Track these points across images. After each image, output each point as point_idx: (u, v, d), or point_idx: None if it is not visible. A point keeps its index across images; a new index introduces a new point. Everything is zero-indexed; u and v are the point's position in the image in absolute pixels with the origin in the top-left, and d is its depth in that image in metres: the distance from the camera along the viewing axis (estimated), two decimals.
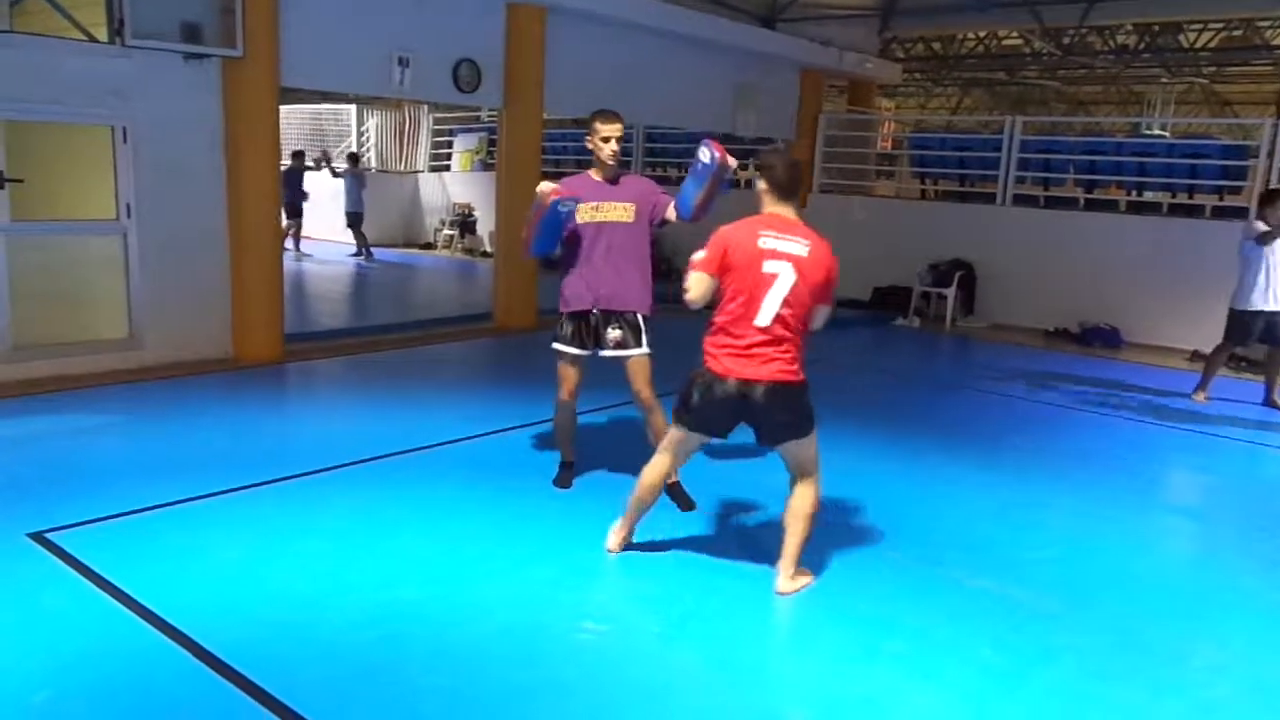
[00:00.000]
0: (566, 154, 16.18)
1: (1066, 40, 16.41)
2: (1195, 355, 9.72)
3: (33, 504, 4.64)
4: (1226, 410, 7.97)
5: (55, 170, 7.73)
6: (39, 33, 6.89)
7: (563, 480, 5.29)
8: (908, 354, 10.53)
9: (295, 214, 15.14)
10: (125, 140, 7.19)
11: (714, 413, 4.00)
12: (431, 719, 3.13)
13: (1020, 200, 12.40)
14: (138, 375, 7.26)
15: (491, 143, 16.23)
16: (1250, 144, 11.29)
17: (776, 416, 3.95)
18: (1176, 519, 5.62)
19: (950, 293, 11.84)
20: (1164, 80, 22.13)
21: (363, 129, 19.51)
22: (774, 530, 4.67)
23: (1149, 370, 9.63)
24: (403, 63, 8.80)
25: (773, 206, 3.97)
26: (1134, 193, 12.23)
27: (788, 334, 3.89)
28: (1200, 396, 8.23)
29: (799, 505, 4.09)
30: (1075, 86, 24.30)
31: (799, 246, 3.86)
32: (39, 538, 4.26)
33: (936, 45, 19.65)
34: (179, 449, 5.67)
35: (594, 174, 4.92)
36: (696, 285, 3.95)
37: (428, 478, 5.36)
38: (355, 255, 15.95)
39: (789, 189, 3.98)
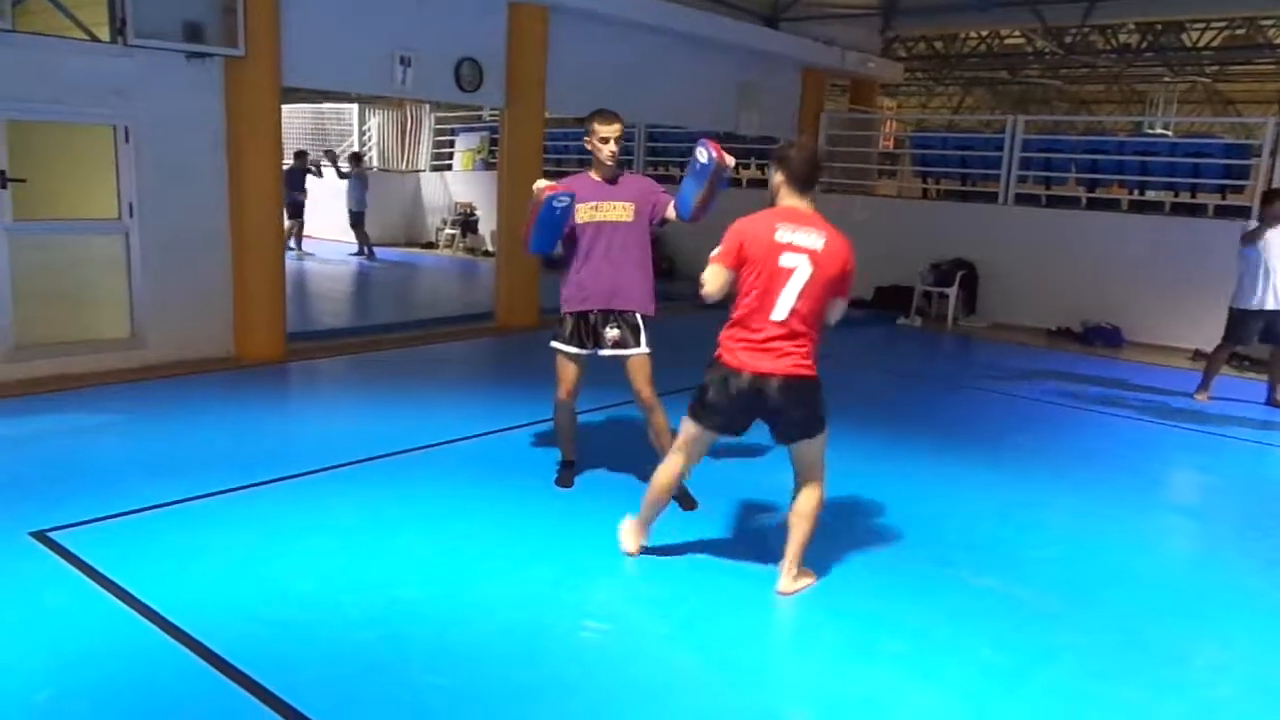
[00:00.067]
0: (568, 153, 16.18)
1: (1069, 39, 16.41)
2: (1197, 354, 9.71)
3: (35, 503, 4.65)
4: (1229, 410, 7.97)
5: (57, 170, 7.73)
6: (41, 32, 6.89)
7: (564, 479, 5.29)
8: (909, 353, 10.53)
9: (297, 214, 15.14)
10: (127, 140, 7.20)
11: (729, 408, 3.96)
12: (434, 718, 3.13)
13: (1022, 199, 12.38)
14: (140, 375, 7.27)
15: (493, 142, 16.24)
16: (1253, 143, 11.27)
17: (790, 412, 3.92)
18: (1178, 518, 5.62)
19: (952, 292, 11.83)
20: (1166, 79, 22.10)
21: (365, 128, 19.52)
22: (775, 530, 4.67)
23: (1151, 369, 9.62)
24: (404, 62, 8.81)
25: (789, 199, 3.93)
26: (1136, 192, 12.22)
27: (804, 328, 3.86)
28: (1202, 396, 8.22)
29: (803, 505, 4.08)
30: (1077, 85, 24.28)
31: (815, 239, 3.82)
32: (41, 537, 4.27)
33: (938, 44, 19.63)
34: (181, 448, 5.67)
35: (593, 174, 4.92)
36: (713, 278, 3.93)
37: (430, 477, 5.36)
38: (357, 254, 15.96)
39: (806, 181, 3.92)
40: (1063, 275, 11.52)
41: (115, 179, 7.25)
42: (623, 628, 3.77)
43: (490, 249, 16.16)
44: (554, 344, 5.00)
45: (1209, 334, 8.36)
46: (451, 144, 19.02)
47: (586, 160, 4.98)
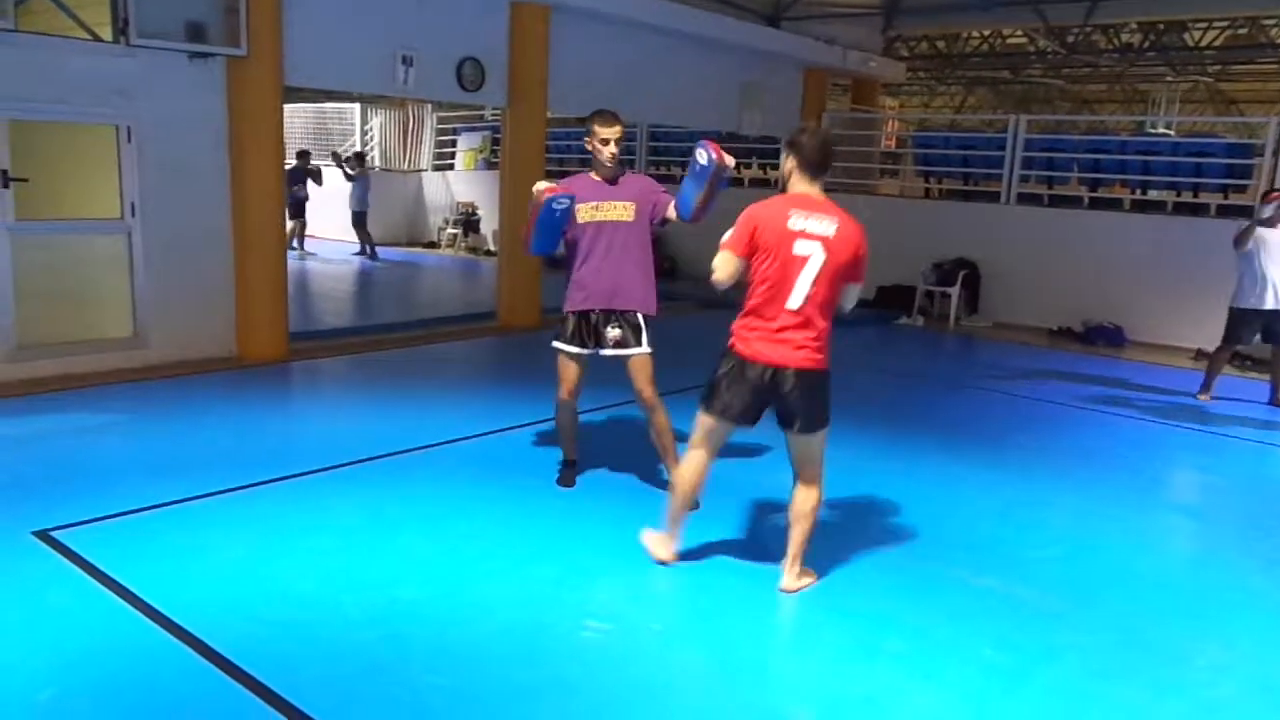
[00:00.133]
0: (570, 153, 16.19)
1: (1071, 39, 16.40)
2: (1199, 354, 9.70)
3: (38, 502, 4.65)
4: (1231, 409, 7.97)
5: (60, 170, 7.75)
6: (44, 32, 6.90)
7: (566, 479, 5.30)
8: (911, 353, 10.53)
9: (298, 214, 15.14)
10: (130, 139, 7.21)
11: (743, 398, 3.94)
12: (434, 718, 3.14)
13: (1024, 199, 12.38)
14: (142, 374, 7.27)
15: (495, 141, 16.25)
16: (1255, 142, 11.27)
17: (801, 404, 3.90)
18: (1180, 518, 5.62)
19: (954, 291, 11.83)
20: (1169, 79, 22.07)
21: (367, 128, 19.53)
22: (776, 530, 4.68)
23: (1153, 369, 9.62)
24: (406, 61, 8.81)
25: (801, 185, 3.90)
26: (1138, 191, 12.21)
27: (819, 316, 3.85)
28: (1205, 396, 8.22)
29: (803, 503, 4.08)
30: (1080, 85, 24.26)
31: (827, 226, 3.80)
32: (44, 536, 4.28)
33: (940, 44, 19.62)
34: (183, 448, 5.68)
35: (594, 174, 4.93)
36: (723, 265, 3.90)
37: (431, 477, 5.37)
38: (359, 254, 15.97)
39: (818, 167, 3.89)
40: (1065, 275, 11.51)
41: (118, 179, 7.27)
42: (624, 627, 3.77)
43: (492, 248, 16.16)
44: (555, 344, 5.01)
45: (1211, 334, 8.37)
46: (453, 143, 19.03)
47: (588, 160, 4.98)
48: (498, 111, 11.42)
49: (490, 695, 3.26)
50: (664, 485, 5.14)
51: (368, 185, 15.96)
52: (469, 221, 17.64)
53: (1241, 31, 17.19)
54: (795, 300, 3.81)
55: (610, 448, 5.85)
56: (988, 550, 4.71)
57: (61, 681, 3.22)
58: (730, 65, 12.21)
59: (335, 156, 16.56)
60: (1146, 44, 17.67)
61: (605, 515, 4.88)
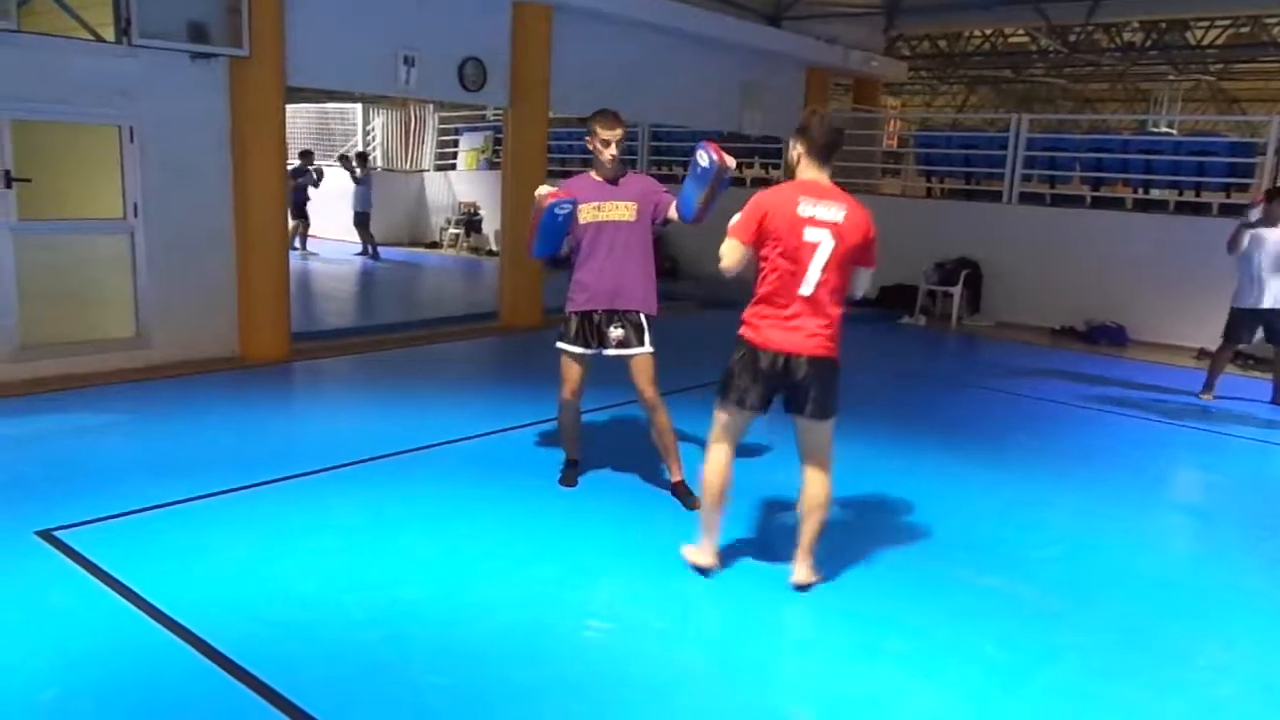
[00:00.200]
0: (572, 152, 16.18)
1: (1073, 38, 16.39)
2: (1202, 353, 9.70)
3: (40, 502, 4.66)
4: (1234, 408, 7.96)
5: (63, 170, 7.76)
6: (46, 32, 6.91)
7: (568, 479, 5.30)
8: (913, 352, 10.52)
9: (300, 214, 15.13)
10: (132, 140, 7.22)
11: (757, 385, 3.92)
12: (436, 718, 3.14)
13: (1026, 198, 12.38)
14: (144, 374, 7.28)
15: (497, 141, 16.25)
16: (1258, 141, 11.26)
17: (812, 391, 3.90)
18: (1182, 517, 5.62)
19: (956, 291, 11.83)
20: (1171, 78, 22.07)
21: (368, 128, 19.54)
22: (778, 528, 4.68)
23: (1155, 368, 9.61)
24: (408, 62, 8.82)
25: (809, 171, 3.90)
26: (1141, 190, 12.21)
27: (830, 302, 3.85)
28: (1207, 396, 8.22)
29: (815, 495, 4.05)
30: (1082, 84, 24.26)
31: (836, 212, 3.80)
32: (47, 536, 4.29)
33: (942, 43, 19.62)
34: (186, 448, 5.69)
35: (595, 174, 4.93)
36: (730, 252, 3.88)
37: (433, 477, 5.37)
38: (361, 254, 15.98)
39: (827, 151, 3.88)
40: (1067, 274, 11.51)
41: (120, 179, 7.28)
42: (625, 627, 3.78)
43: (494, 249, 16.17)
44: (559, 344, 5.01)
45: (1213, 333, 8.37)
46: (455, 144, 19.04)
47: (590, 160, 4.99)
48: (499, 111, 11.43)
49: (492, 695, 3.27)
50: (666, 485, 5.16)
51: (370, 186, 15.97)
52: (471, 222, 17.65)
53: (1244, 30, 17.18)
54: (807, 287, 3.80)
55: (612, 448, 5.85)
56: (989, 550, 4.71)
57: (64, 681, 3.23)
58: (732, 65, 12.21)
59: (344, 160, 16.53)
60: (1148, 43, 17.66)
61: (607, 515, 4.89)
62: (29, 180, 6.90)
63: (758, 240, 3.85)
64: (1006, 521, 5.14)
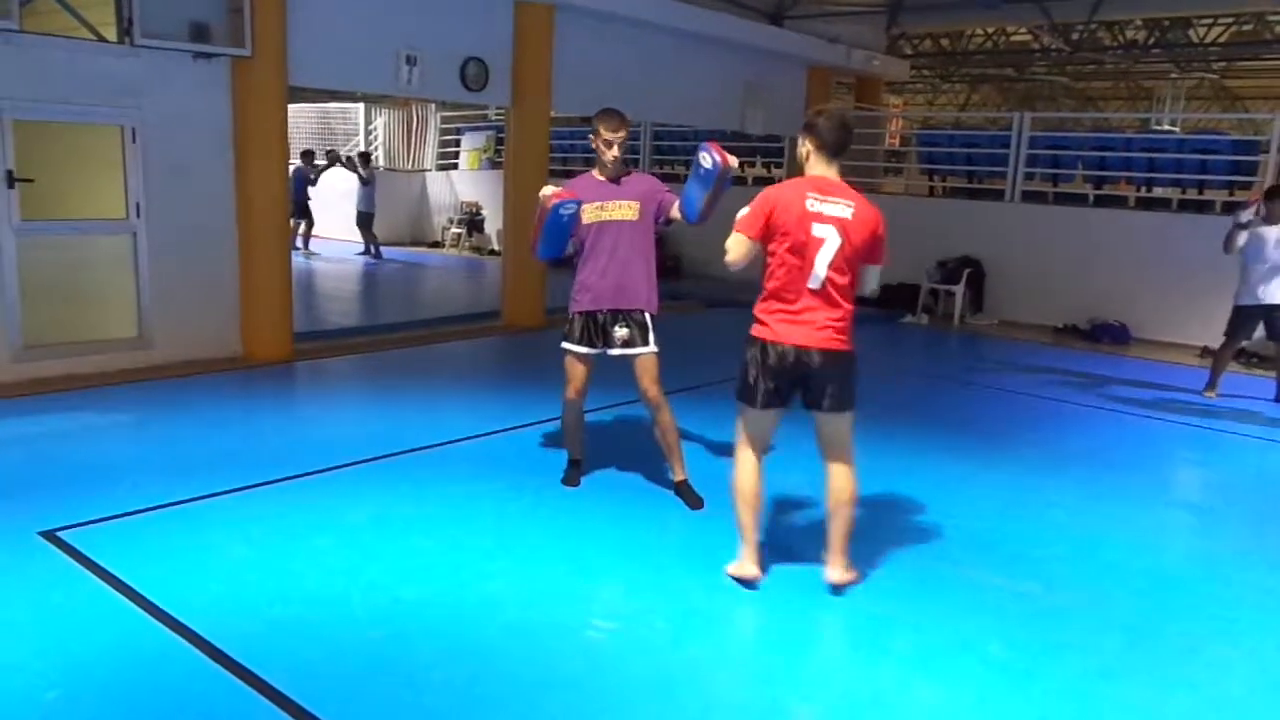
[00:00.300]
0: (574, 152, 16.19)
1: (1075, 36, 16.35)
2: (1205, 351, 9.69)
3: (44, 502, 4.66)
4: (1237, 406, 7.95)
5: (65, 170, 7.76)
6: (49, 32, 6.91)
7: (571, 478, 5.29)
8: (916, 351, 10.52)
9: (303, 213, 15.13)
10: (134, 140, 7.22)
11: (772, 381, 3.90)
12: (440, 716, 3.14)
13: (1029, 197, 12.37)
14: (147, 374, 7.28)
15: (499, 141, 16.25)
16: (1260, 139, 11.24)
17: (828, 385, 3.88)
18: (1186, 515, 5.60)
19: (959, 290, 11.82)
20: (1174, 75, 22.03)
21: (370, 128, 19.55)
22: (779, 528, 4.68)
23: (1158, 366, 9.60)
24: (410, 61, 8.82)
25: (818, 167, 3.88)
26: (1143, 189, 12.20)
27: (839, 298, 3.84)
28: (1210, 393, 8.22)
29: (840, 489, 4.02)
30: (1084, 82, 24.21)
31: (844, 209, 3.79)
32: (50, 536, 4.28)
33: (944, 41, 19.59)
34: (188, 448, 5.69)
35: (597, 173, 4.93)
36: (736, 247, 3.86)
37: (436, 476, 5.37)
38: (363, 254, 15.99)
39: (836, 149, 3.87)
40: (1070, 273, 11.50)
41: (122, 179, 7.28)
42: (629, 626, 3.77)
43: (496, 248, 16.18)
44: (564, 344, 5.01)
45: (1217, 331, 8.36)
46: (457, 143, 19.05)
47: (592, 159, 4.99)
48: (501, 111, 11.43)
49: (495, 694, 3.26)
50: (669, 484, 5.15)
51: (374, 185, 15.98)
52: (473, 221, 17.65)
53: (1247, 28, 17.14)
54: (814, 281, 3.80)
55: (615, 447, 5.85)
56: (993, 548, 4.70)
57: (68, 682, 3.23)
58: (734, 64, 12.20)
59: (349, 160, 16.50)
60: (1151, 41, 17.63)
61: (610, 514, 4.88)
62: (31, 180, 6.90)
63: (765, 235, 3.83)
64: (1010, 519, 5.13)
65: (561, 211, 4.70)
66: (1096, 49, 17.95)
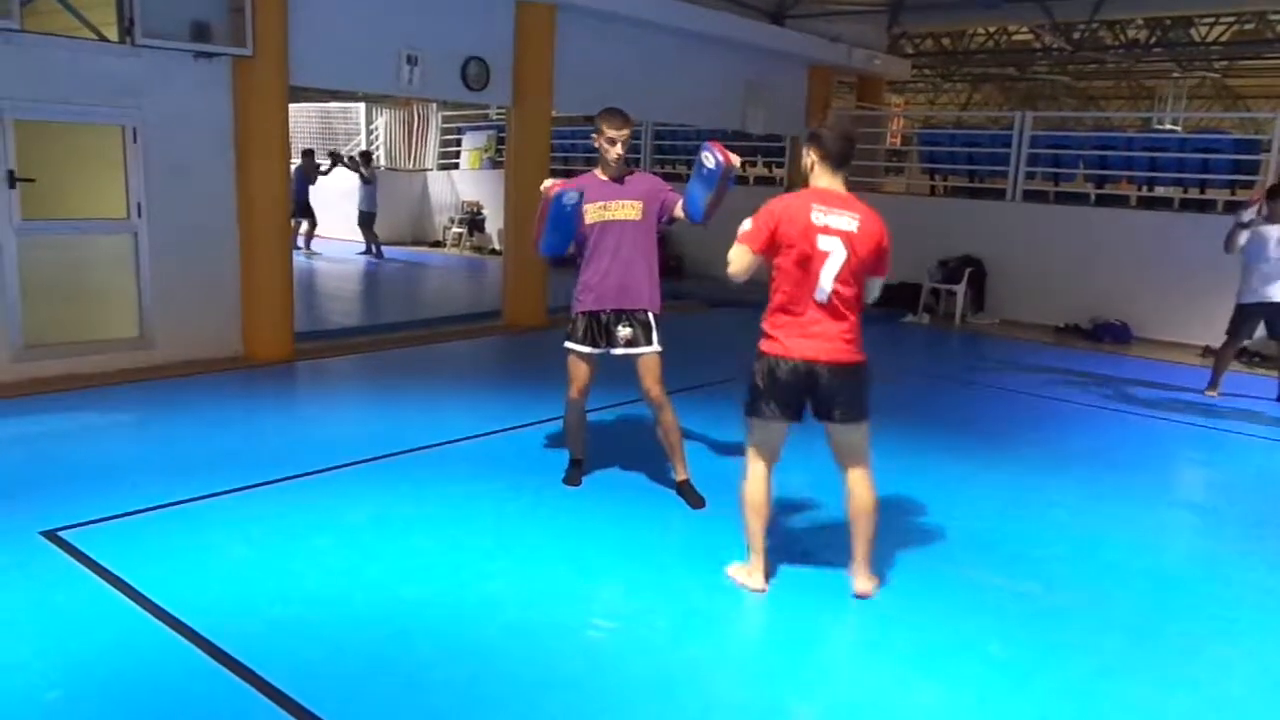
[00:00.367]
0: (575, 151, 16.20)
1: (1077, 35, 16.33)
2: (1207, 351, 9.68)
3: (45, 502, 4.67)
4: (1239, 405, 7.95)
5: (66, 170, 7.76)
6: (50, 32, 6.91)
7: (572, 478, 5.29)
8: (917, 351, 10.51)
9: (305, 213, 15.13)
10: (135, 139, 7.23)
11: (783, 393, 3.89)
12: (441, 715, 3.14)
13: (1030, 196, 12.35)
14: (148, 374, 7.29)
15: (500, 141, 16.26)
16: (1262, 138, 11.22)
17: (839, 396, 3.87)
18: (1187, 515, 5.60)
19: (960, 289, 11.81)
20: (1175, 75, 22.00)
21: (372, 127, 19.56)
22: (780, 528, 4.68)
23: (1160, 366, 9.59)
24: (411, 61, 8.82)
25: (824, 179, 3.87)
26: (1145, 188, 12.18)
27: (846, 310, 3.83)
28: (1212, 392, 8.22)
29: (861, 499, 4.00)
30: (1086, 81, 24.19)
31: (849, 221, 3.77)
32: (51, 536, 4.29)
33: (946, 41, 19.56)
34: (189, 448, 5.69)
35: (600, 173, 4.92)
36: (739, 259, 3.84)
37: (437, 476, 5.37)
38: (364, 254, 15.99)
39: (840, 160, 3.86)
40: (1071, 272, 11.49)
41: (123, 179, 7.28)
42: (629, 625, 3.77)
43: (497, 247, 16.18)
44: (567, 344, 5.00)
45: (1218, 330, 8.35)
46: (458, 143, 19.05)
47: (594, 159, 4.99)
48: (502, 111, 11.43)
49: (497, 693, 3.26)
50: (670, 484, 5.15)
51: (376, 185, 15.99)
52: (474, 221, 17.66)
53: (1248, 27, 17.11)
54: (821, 294, 3.78)
55: (617, 447, 5.84)
56: (994, 547, 4.70)
57: (69, 681, 3.23)
58: (735, 63, 12.20)
59: (351, 160, 16.51)
60: (1153, 40, 17.60)
61: (611, 514, 4.88)
62: (32, 180, 6.91)
63: (769, 249, 3.81)
64: (1011, 519, 5.13)
65: (564, 201, 4.67)
66: (1098, 48, 17.93)
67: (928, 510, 5.14)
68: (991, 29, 18.73)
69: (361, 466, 5.44)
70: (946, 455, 6.19)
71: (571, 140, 16.23)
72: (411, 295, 13.41)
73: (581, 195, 4.73)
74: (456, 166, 18.87)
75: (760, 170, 15.45)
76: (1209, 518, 5.54)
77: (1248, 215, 7.74)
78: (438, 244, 18.32)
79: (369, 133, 19.52)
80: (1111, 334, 10.87)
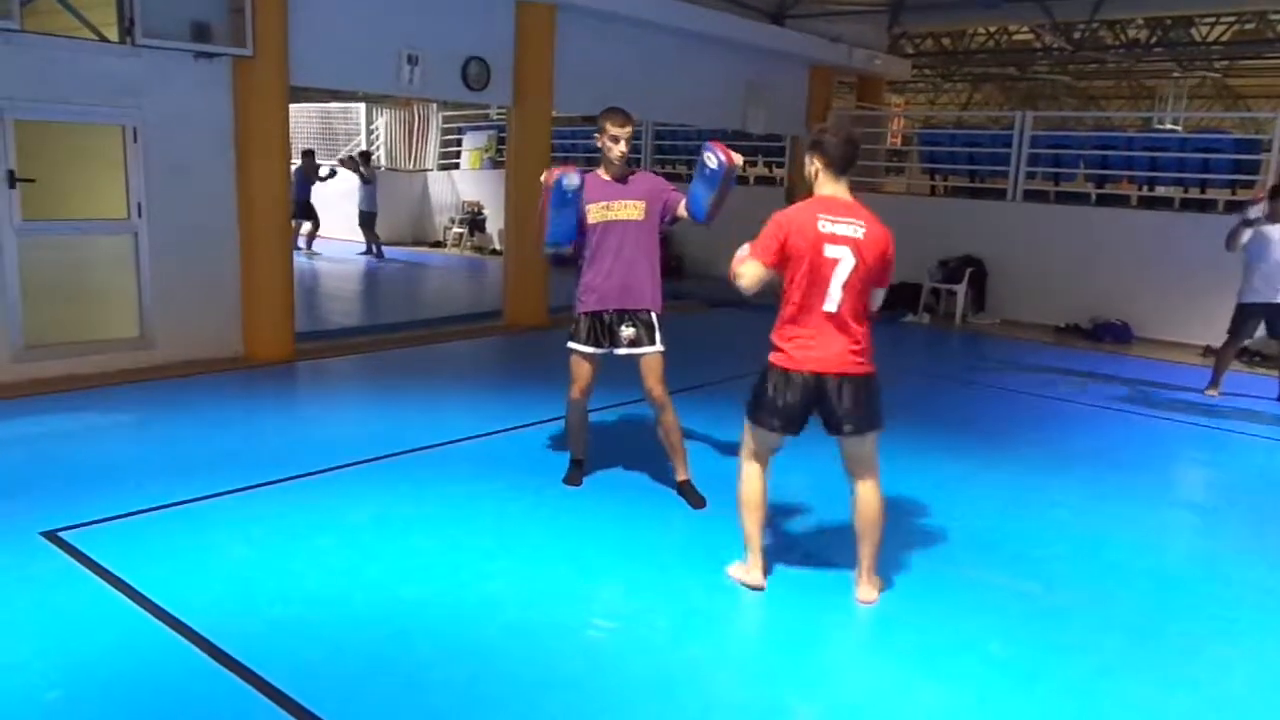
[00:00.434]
0: (576, 151, 16.19)
1: (1077, 35, 16.33)
2: (1207, 350, 9.68)
3: (45, 503, 4.66)
4: (1239, 405, 7.94)
5: (67, 170, 7.77)
6: (50, 32, 6.91)
7: (573, 478, 5.29)
8: (917, 351, 10.50)
9: (307, 214, 15.12)
10: (136, 139, 7.23)
11: (789, 409, 3.88)
12: (441, 715, 3.14)
13: (1031, 196, 12.35)
14: (148, 374, 7.29)
15: (501, 140, 16.25)
16: (1263, 138, 11.22)
17: (850, 408, 3.87)
18: (1188, 514, 5.59)
19: (960, 289, 11.81)
20: (1176, 75, 21.99)
21: (372, 127, 19.56)
22: (781, 528, 4.68)
23: (1161, 365, 9.59)
24: (412, 61, 8.82)
25: (828, 185, 3.86)
26: (1145, 188, 12.18)
27: (855, 319, 3.83)
28: (1213, 392, 8.21)
29: (869, 509, 4.01)
30: (1086, 81, 24.18)
31: (855, 229, 3.77)
32: (52, 536, 4.29)
33: (946, 41, 19.56)
34: (190, 448, 5.69)
35: (602, 173, 4.92)
36: (750, 273, 3.83)
37: (437, 476, 5.37)
38: (365, 254, 15.99)
39: (843, 165, 3.85)
40: (1072, 272, 11.49)
41: (124, 179, 7.28)
42: (629, 625, 3.77)
43: (498, 247, 16.17)
44: (570, 344, 5.00)
45: (1219, 330, 8.35)
46: (459, 143, 19.05)
47: (594, 159, 4.98)
48: (503, 111, 11.42)
49: (497, 693, 3.26)
50: (671, 484, 5.15)
51: (376, 185, 15.98)
52: (474, 221, 17.65)
53: (1249, 26, 17.11)
54: (830, 303, 3.77)
55: (618, 447, 5.84)
56: (995, 547, 4.70)
57: (69, 681, 3.23)
58: (735, 63, 12.19)
59: (350, 159, 16.50)
60: (1153, 39, 17.60)
61: (612, 514, 4.88)
62: (33, 180, 6.91)
63: (780, 262, 3.80)
64: (1012, 519, 5.13)
65: (565, 185, 4.63)
66: (1098, 48, 17.92)
67: (929, 510, 5.14)
68: (992, 29, 18.73)
69: (362, 467, 5.44)
70: (947, 455, 6.19)
71: (572, 140, 16.23)
72: (412, 295, 13.40)
73: (582, 179, 4.71)
74: (457, 166, 18.87)
75: (760, 170, 15.44)
76: (1210, 517, 5.54)
77: (1255, 212, 7.72)
78: (438, 244, 18.32)
79: (369, 133, 19.52)
80: (1112, 334, 10.86)
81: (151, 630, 3.55)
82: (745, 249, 3.88)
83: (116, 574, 3.94)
